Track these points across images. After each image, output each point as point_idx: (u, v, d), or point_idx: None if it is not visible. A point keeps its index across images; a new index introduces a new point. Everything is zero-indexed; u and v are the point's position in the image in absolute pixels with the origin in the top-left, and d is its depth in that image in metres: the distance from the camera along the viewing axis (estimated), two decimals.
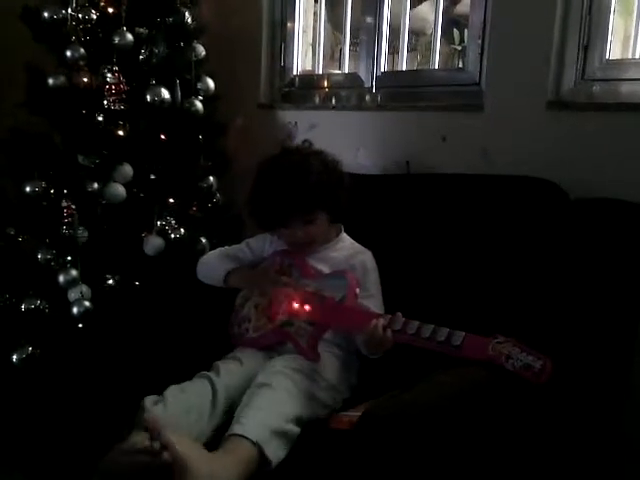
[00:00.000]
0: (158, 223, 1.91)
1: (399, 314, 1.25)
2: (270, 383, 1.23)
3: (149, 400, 1.23)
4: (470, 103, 1.78)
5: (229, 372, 1.33)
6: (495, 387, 1.11)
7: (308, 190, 1.40)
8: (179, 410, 1.21)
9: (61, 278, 1.78)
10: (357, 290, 1.38)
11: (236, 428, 1.15)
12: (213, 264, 1.58)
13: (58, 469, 1.50)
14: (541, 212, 1.43)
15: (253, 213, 1.49)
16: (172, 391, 1.25)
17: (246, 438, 1.12)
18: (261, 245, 1.60)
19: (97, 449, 1.20)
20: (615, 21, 1.59)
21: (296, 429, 1.19)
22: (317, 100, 2.26)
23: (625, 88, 1.56)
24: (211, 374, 1.31)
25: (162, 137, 1.96)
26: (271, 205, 1.42)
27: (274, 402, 1.20)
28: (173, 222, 1.94)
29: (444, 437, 0.99)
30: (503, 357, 1.06)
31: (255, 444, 1.12)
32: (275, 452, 1.14)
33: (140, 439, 1.11)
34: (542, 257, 1.37)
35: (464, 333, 1.14)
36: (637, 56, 1.61)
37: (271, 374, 1.26)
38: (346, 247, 1.56)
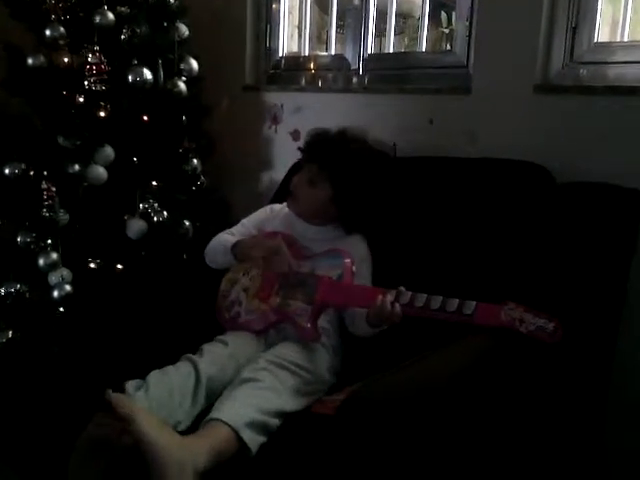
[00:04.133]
0: (141, 206, 1.89)
1: (402, 288, 1.25)
2: (255, 378, 1.22)
3: (131, 385, 1.22)
4: (458, 86, 1.77)
5: (212, 353, 1.31)
6: (485, 367, 1.11)
7: (332, 149, 1.50)
8: (162, 394, 1.19)
9: (41, 261, 1.75)
10: (353, 268, 1.37)
11: (213, 414, 1.14)
12: (219, 245, 1.57)
13: (37, 454, 1.48)
14: (528, 196, 1.43)
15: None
16: (154, 375, 1.23)
17: (222, 422, 1.11)
18: (262, 221, 1.62)
19: (78, 434, 1.18)
20: (603, 4, 1.57)
21: (275, 421, 1.18)
22: (303, 82, 2.23)
23: (612, 71, 1.55)
24: (195, 357, 1.29)
25: (144, 118, 1.92)
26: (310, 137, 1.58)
27: (256, 396, 1.18)
28: (156, 205, 1.91)
29: (433, 420, 0.98)
30: (517, 322, 1.10)
31: (231, 428, 1.10)
32: (252, 438, 1.12)
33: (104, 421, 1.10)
34: (528, 240, 1.37)
35: (475, 302, 1.16)
36: (625, 39, 1.60)
37: (256, 370, 1.24)
38: (340, 229, 1.56)
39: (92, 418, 1.12)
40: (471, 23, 1.75)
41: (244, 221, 1.65)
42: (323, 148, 1.52)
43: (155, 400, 1.17)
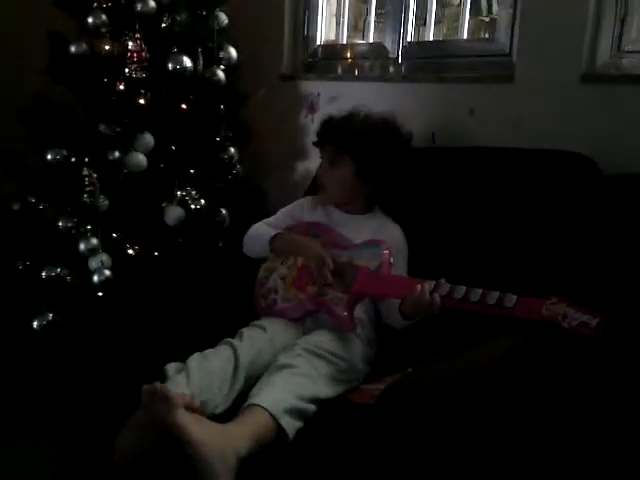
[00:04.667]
0: (178, 193, 1.90)
1: (443, 280, 1.24)
2: (291, 364, 1.22)
3: (172, 367, 1.23)
4: (500, 74, 1.73)
5: (251, 338, 1.32)
6: (525, 359, 1.09)
7: (342, 125, 1.53)
8: (202, 378, 1.20)
9: (82, 246, 1.77)
10: (391, 259, 1.37)
11: (253, 399, 1.15)
12: (257, 235, 1.58)
13: (79, 435, 1.51)
14: (573, 187, 1.40)
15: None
16: (195, 359, 1.25)
17: (262, 408, 1.12)
18: (299, 212, 1.62)
19: (118, 416, 1.20)
20: None
21: (311, 407, 1.19)
22: (340, 71, 2.22)
23: None
24: (234, 341, 1.31)
25: (183, 106, 1.93)
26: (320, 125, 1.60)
27: (293, 382, 1.19)
28: (193, 193, 1.92)
29: (473, 411, 0.97)
30: (559, 316, 1.08)
31: (270, 415, 1.11)
32: (290, 424, 1.13)
33: (146, 415, 1.11)
34: (573, 233, 1.34)
35: (516, 296, 1.14)
36: None
37: (292, 357, 1.25)
38: (377, 218, 1.56)
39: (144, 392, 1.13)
40: (515, 9, 1.71)
41: (282, 211, 1.65)
42: (333, 129, 1.55)
43: (196, 385, 1.18)
